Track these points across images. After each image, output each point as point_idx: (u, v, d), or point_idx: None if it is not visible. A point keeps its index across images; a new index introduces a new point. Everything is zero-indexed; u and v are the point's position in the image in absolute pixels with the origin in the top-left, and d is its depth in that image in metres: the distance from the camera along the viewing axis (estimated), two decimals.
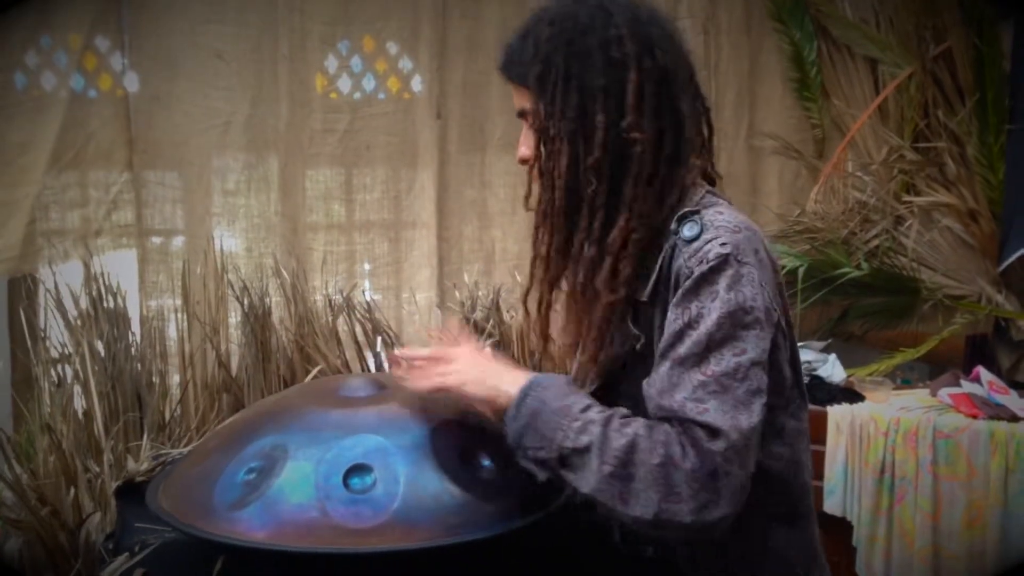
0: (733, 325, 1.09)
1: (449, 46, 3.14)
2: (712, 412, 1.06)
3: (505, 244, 3.27)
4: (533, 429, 1.15)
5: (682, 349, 1.10)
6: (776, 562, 1.25)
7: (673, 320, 1.13)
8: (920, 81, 3.39)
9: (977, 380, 2.83)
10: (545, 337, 1.33)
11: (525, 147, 1.26)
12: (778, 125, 3.59)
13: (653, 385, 1.13)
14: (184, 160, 2.86)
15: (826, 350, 3.18)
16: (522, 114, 1.26)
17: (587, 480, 1.10)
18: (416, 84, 3.14)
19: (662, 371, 1.12)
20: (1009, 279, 3.25)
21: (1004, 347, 3.24)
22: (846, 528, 2.73)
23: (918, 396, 2.90)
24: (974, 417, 2.66)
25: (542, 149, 1.21)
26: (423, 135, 3.14)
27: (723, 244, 1.12)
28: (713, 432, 1.06)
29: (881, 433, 2.69)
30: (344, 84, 3.06)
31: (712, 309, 1.10)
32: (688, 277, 1.13)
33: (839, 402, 2.83)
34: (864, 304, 3.46)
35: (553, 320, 1.32)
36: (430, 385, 1.25)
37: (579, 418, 1.12)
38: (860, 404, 2.83)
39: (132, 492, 1.52)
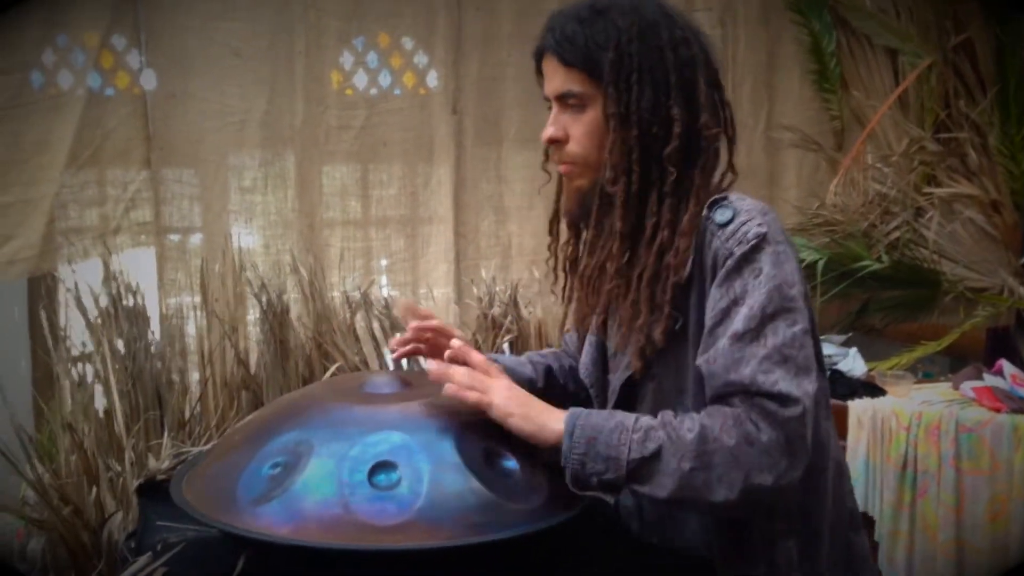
0: (781, 298, 1.16)
1: (464, 41, 3.13)
2: (781, 382, 1.12)
3: (522, 239, 3.27)
4: (594, 455, 1.17)
5: (738, 325, 1.16)
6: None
7: (719, 299, 1.18)
8: (940, 71, 3.37)
9: (999, 373, 2.80)
10: (604, 314, 1.35)
11: (557, 128, 1.30)
12: (797, 117, 3.56)
13: (716, 361, 1.16)
14: (201, 157, 2.86)
15: (846, 344, 3.16)
16: (564, 96, 1.29)
17: (664, 484, 1.13)
18: (432, 79, 3.14)
19: (721, 348, 1.16)
20: None
21: None
22: (868, 523, 2.71)
23: (940, 390, 2.87)
24: (997, 411, 2.63)
25: (616, 134, 1.25)
26: (439, 130, 3.13)
27: (759, 224, 1.19)
28: (787, 400, 1.12)
29: (903, 427, 2.67)
30: (360, 80, 3.06)
31: (758, 284, 1.16)
32: (729, 257, 1.19)
33: (860, 396, 2.81)
34: (884, 297, 3.43)
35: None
36: (470, 399, 1.25)
37: (637, 429, 1.16)
38: (881, 398, 2.81)
39: (153, 490, 1.51)
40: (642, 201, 1.26)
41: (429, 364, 1.35)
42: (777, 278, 1.17)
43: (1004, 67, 3.25)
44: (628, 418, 1.18)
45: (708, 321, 1.19)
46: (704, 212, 1.24)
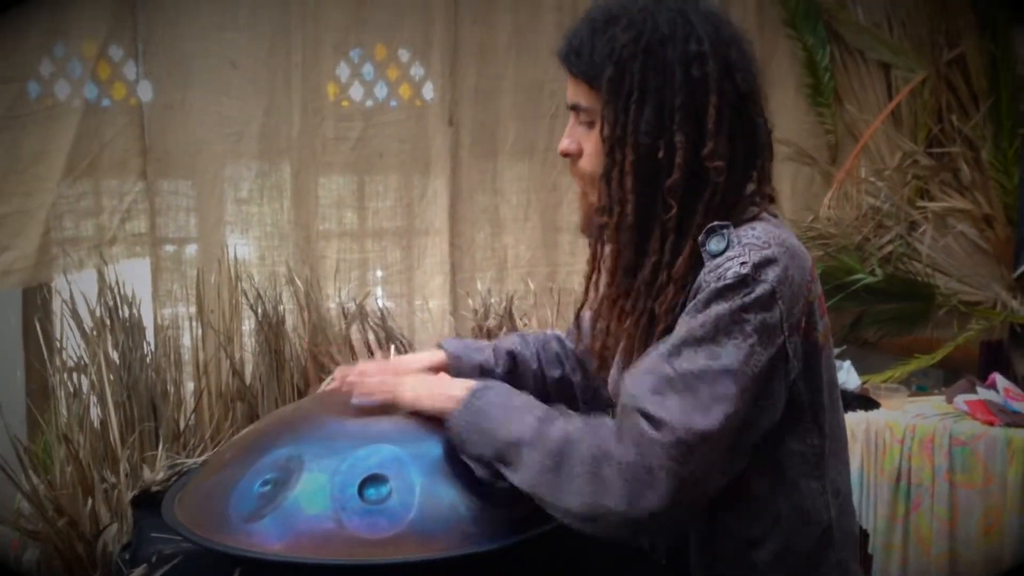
0: (716, 330, 1.06)
1: (461, 52, 3.13)
2: (668, 408, 1.04)
3: (517, 251, 3.27)
4: (475, 426, 1.16)
5: (664, 345, 1.09)
6: None
7: (676, 328, 1.11)
8: (934, 86, 3.39)
9: (993, 387, 2.81)
10: (602, 355, 1.30)
11: (571, 141, 1.22)
12: (791, 131, 3.56)
13: (631, 371, 1.12)
14: (197, 168, 2.86)
15: (840, 357, 3.16)
16: (575, 108, 1.22)
17: (524, 475, 1.11)
18: (428, 91, 3.14)
19: (642, 361, 1.11)
20: None
21: (1020, 353, 3.22)
22: (862, 536, 2.71)
23: (934, 403, 2.88)
24: (990, 424, 2.64)
25: (610, 159, 1.16)
26: (435, 142, 3.13)
27: (743, 264, 1.08)
28: (660, 425, 1.03)
29: (897, 440, 2.68)
30: (356, 92, 3.06)
31: (705, 315, 1.08)
32: (703, 291, 1.09)
33: (854, 409, 2.81)
34: (878, 310, 3.44)
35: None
36: (379, 399, 1.28)
37: (520, 415, 1.13)
38: (875, 411, 2.81)
39: (148, 502, 1.52)
40: (642, 236, 1.16)
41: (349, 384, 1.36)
42: (725, 310, 1.07)
43: (997, 82, 3.27)
44: (521, 401, 1.16)
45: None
46: (701, 238, 1.13)
